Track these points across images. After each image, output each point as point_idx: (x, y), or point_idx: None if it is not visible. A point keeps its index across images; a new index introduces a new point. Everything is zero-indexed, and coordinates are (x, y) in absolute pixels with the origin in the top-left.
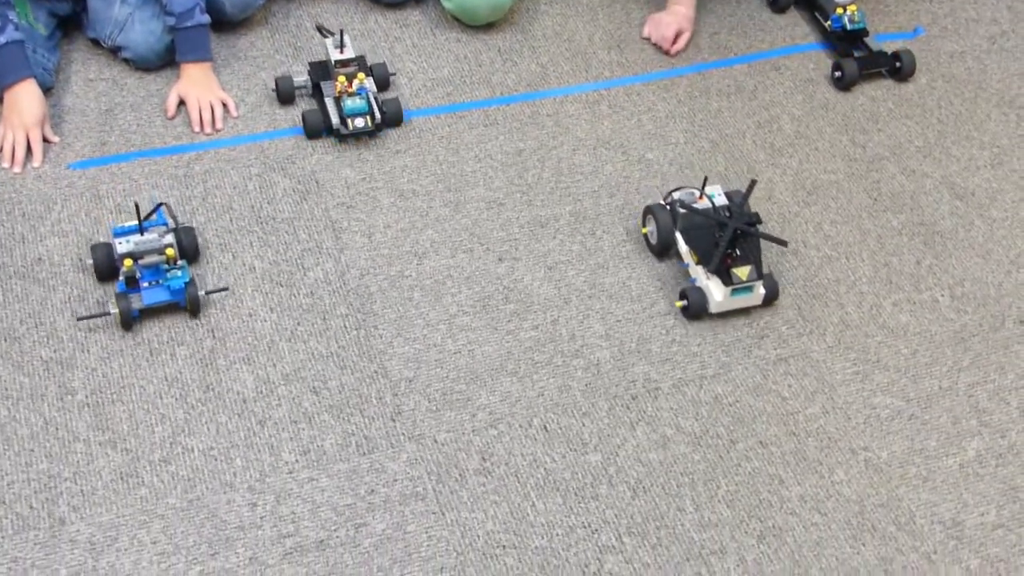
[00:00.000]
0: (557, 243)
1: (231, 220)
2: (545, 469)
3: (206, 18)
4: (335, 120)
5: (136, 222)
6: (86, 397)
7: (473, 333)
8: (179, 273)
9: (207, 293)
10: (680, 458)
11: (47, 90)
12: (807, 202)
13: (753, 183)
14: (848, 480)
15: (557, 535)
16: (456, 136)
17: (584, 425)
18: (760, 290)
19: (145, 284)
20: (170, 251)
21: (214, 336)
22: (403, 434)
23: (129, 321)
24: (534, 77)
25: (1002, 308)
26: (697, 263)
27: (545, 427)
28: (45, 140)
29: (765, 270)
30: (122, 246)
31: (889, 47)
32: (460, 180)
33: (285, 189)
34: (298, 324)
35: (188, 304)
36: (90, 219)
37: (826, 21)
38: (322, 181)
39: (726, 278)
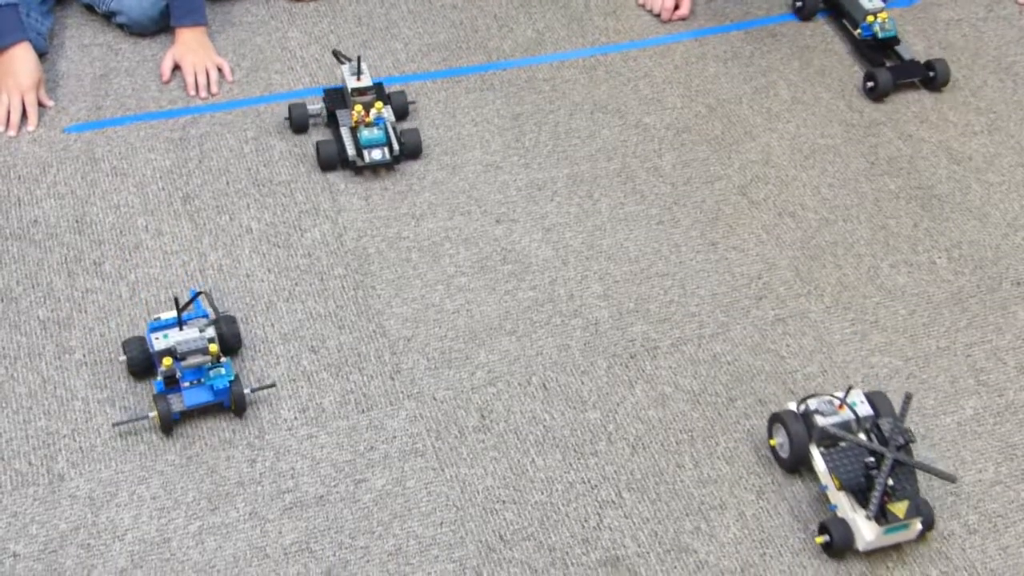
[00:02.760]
0: (555, 205)
1: (227, 183)
2: (544, 426)
3: None
4: (351, 151)
5: (173, 315)
6: (84, 356)
7: (471, 293)
8: (223, 371)
9: (253, 391)
10: (679, 415)
11: (41, 55)
12: (804, 166)
13: (909, 397)
14: None
15: (556, 491)
16: (453, 100)
17: (583, 383)
18: (917, 525)
19: (186, 384)
20: (213, 347)
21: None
22: (402, 392)
23: (169, 425)
24: (530, 42)
25: (999, 270)
26: (839, 488)
27: (544, 385)
28: (40, 104)
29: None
30: (159, 342)
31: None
32: (457, 144)
33: (282, 152)
34: (296, 284)
35: (233, 405)
36: (86, 182)
37: (855, 29)
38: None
39: (881, 516)
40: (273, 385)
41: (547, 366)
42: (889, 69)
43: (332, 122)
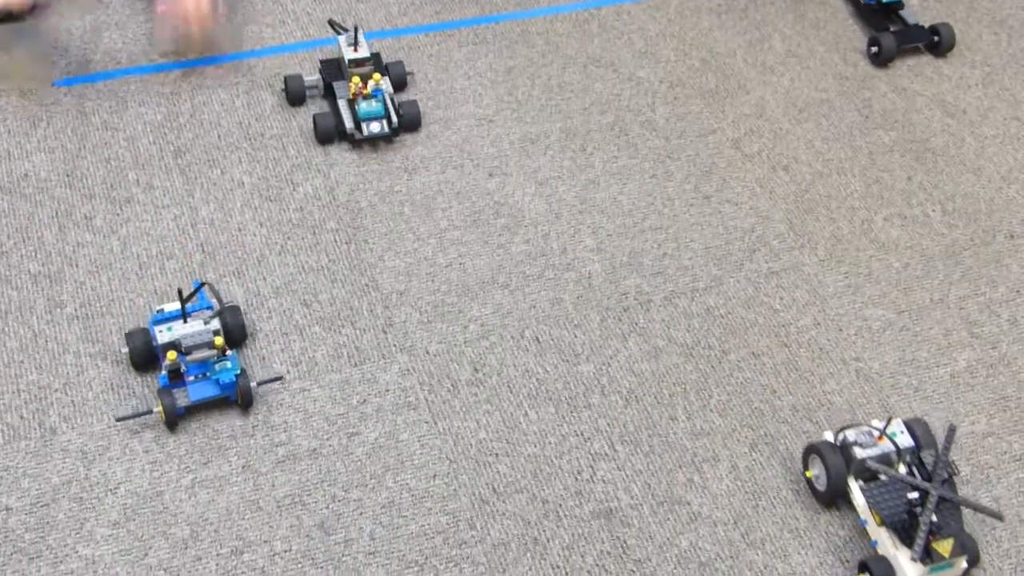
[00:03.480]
0: (548, 159)
1: (219, 136)
2: (537, 379)
3: None
4: (348, 124)
5: (176, 306)
6: (75, 310)
7: (464, 247)
8: (228, 364)
9: (259, 384)
10: (672, 368)
11: (32, 7)
12: (799, 119)
13: (953, 430)
14: (840, 390)
15: (550, 443)
16: (445, 54)
17: (576, 336)
18: (963, 563)
19: (191, 378)
20: (218, 340)
21: (203, 251)
22: (395, 345)
23: (174, 420)
24: None
25: (993, 223)
26: (880, 524)
27: (537, 338)
28: None
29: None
30: (163, 335)
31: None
32: (450, 98)
33: (273, 106)
34: (288, 239)
35: (239, 399)
36: (76, 136)
37: None
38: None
39: (926, 556)
40: (280, 378)
41: (540, 319)
42: (893, 34)
43: (329, 94)
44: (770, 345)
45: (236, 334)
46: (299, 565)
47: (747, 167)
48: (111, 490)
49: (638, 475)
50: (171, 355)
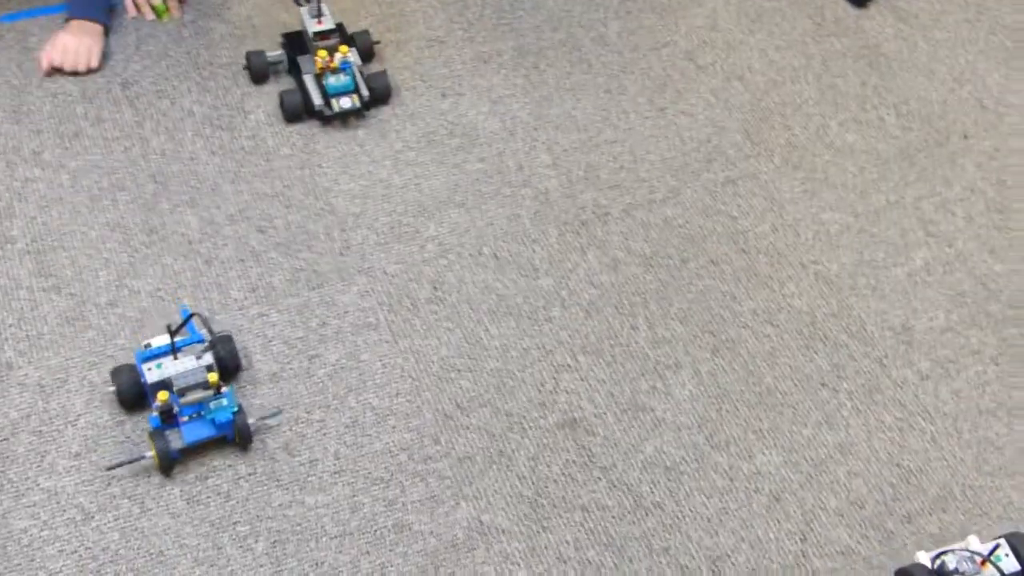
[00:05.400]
0: (501, 78)
1: (167, 67)
2: (497, 295)
3: None
4: (317, 100)
5: (164, 340)
6: (27, 245)
7: (419, 168)
8: (224, 402)
9: (260, 419)
10: (632, 279)
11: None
12: (751, 29)
13: None
14: (799, 293)
15: (512, 357)
16: None
17: (535, 252)
18: None
19: (184, 418)
20: (212, 377)
21: (155, 181)
22: (353, 267)
23: (169, 464)
24: None
25: (946, 124)
26: None
27: (495, 255)
28: None
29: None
30: (152, 373)
31: None
32: (400, 20)
33: (222, 35)
34: (241, 166)
35: (237, 437)
36: (21, 71)
37: None
38: (259, 25)
39: None
40: (280, 413)
41: (498, 236)
42: None
43: (294, 69)
44: (728, 252)
45: (230, 365)
46: (264, 487)
47: (701, 78)
48: (71, 422)
49: (601, 384)
50: (162, 395)
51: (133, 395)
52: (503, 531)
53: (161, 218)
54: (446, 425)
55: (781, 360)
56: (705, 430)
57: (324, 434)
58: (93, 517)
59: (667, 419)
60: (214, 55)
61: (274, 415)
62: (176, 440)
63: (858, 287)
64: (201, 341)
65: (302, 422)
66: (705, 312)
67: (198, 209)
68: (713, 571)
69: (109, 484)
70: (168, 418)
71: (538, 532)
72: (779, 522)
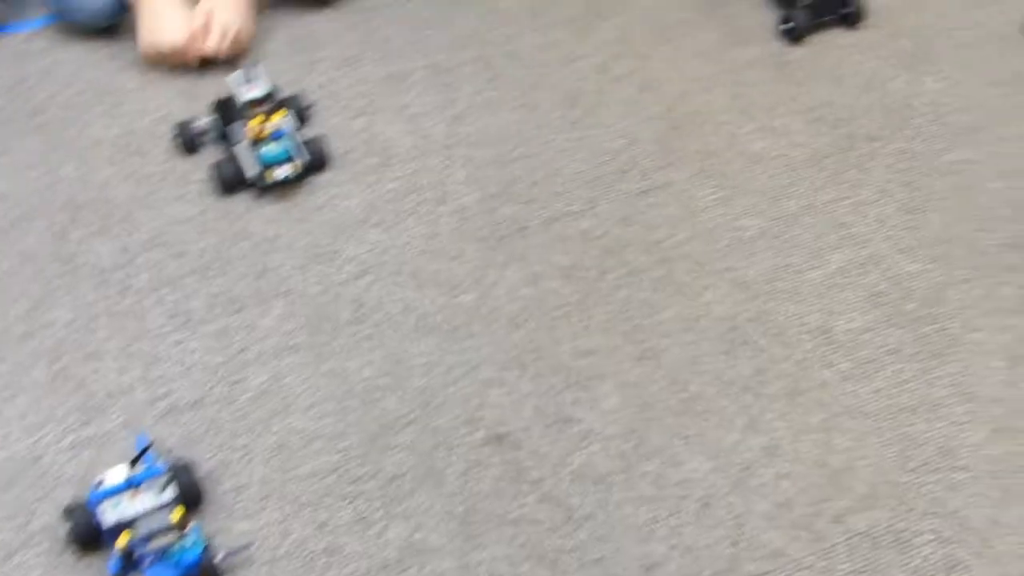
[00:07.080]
0: (414, 96)
1: (77, 93)
2: (418, 313)
3: None
4: (251, 172)
5: (120, 476)
6: None
7: (335, 188)
8: (189, 542)
9: (228, 555)
10: (552, 292)
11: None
12: (661, 40)
13: None
14: (718, 299)
15: (437, 374)
16: None
17: (454, 269)
18: None
19: (146, 562)
20: (176, 515)
21: (67, 209)
22: (270, 291)
23: None
24: None
25: (853, 128)
26: None
27: (415, 274)
28: None
29: None
30: (109, 515)
31: None
32: (310, 42)
33: (135, 59)
34: (153, 192)
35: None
36: None
37: None
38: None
39: None
40: (249, 546)
41: (416, 254)
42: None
43: (225, 139)
44: (647, 262)
45: (191, 495)
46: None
47: (613, 91)
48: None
49: (527, 398)
50: (123, 539)
51: (90, 536)
52: (435, 550)
53: (71, 247)
54: (373, 445)
55: (704, 367)
56: (632, 439)
57: (250, 460)
58: None
59: (594, 430)
60: (127, 78)
61: (243, 548)
62: None
63: (776, 291)
64: (160, 472)
65: (227, 448)
66: (626, 322)
67: (111, 236)
68: None
69: (30, 520)
70: (129, 559)
71: (470, 550)
72: (710, 528)
